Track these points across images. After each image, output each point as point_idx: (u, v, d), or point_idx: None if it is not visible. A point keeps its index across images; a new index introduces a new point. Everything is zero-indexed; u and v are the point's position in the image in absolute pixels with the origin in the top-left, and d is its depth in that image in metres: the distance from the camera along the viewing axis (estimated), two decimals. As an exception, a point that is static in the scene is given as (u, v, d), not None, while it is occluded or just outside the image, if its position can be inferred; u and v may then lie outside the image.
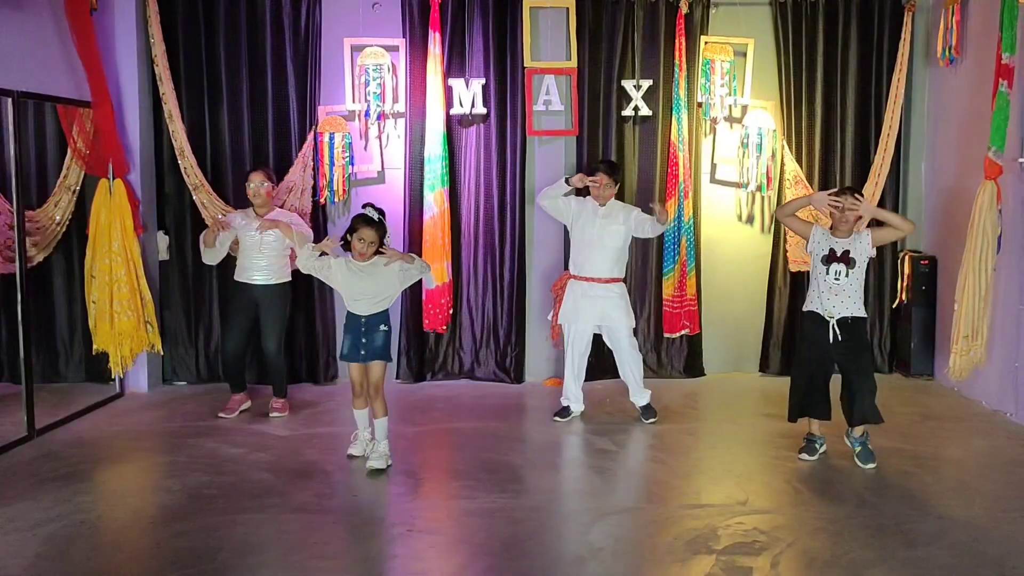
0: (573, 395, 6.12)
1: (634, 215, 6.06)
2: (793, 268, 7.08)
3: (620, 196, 6.97)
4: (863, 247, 5.08)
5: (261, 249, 6.03)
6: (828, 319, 5.10)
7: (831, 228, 5.18)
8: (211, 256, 6.15)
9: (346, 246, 5.02)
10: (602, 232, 5.98)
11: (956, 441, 5.64)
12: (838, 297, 5.09)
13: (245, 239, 6.06)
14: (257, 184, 6.01)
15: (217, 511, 4.48)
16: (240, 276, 6.11)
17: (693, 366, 7.21)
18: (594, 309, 6.01)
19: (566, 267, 6.33)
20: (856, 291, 5.11)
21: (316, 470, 5.08)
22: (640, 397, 6.10)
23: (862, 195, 5.12)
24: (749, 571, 3.83)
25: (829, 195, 5.12)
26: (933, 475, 4.99)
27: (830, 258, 5.09)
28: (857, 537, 4.15)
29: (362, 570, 3.95)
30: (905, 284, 7.09)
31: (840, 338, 5.08)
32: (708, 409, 6.46)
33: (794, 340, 7.16)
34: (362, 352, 5.09)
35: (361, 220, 4.98)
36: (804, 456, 5.23)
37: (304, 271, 5.24)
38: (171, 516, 4.43)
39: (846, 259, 5.06)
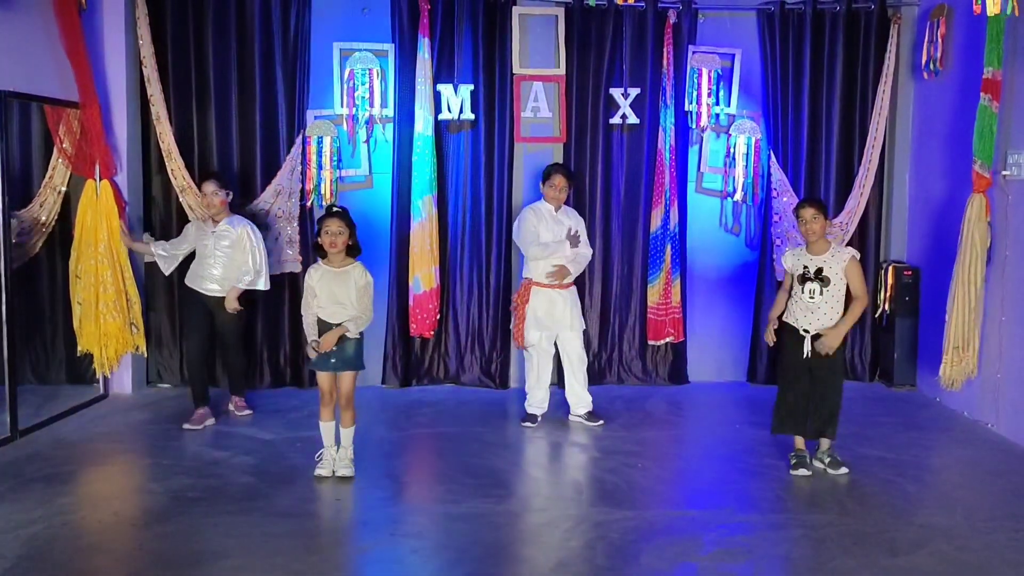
0: (539, 401, 6.17)
1: (581, 223, 6.18)
2: (780, 277, 7.10)
3: (608, 201, 7.04)
4: (839, 265, 5.03)
5: (216, 258, 5.96)
6: (803, 334, 5.08)
7: (806, 244, 5.12)
8: (163, 265, 6.20)
9: (321, 252, 4.95)
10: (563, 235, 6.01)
11: (938, 451, 5.69)
12: (814, 315, 5.05)
13: (199, 248, 6.03)
14: (211, 192, 5.90)
15: (200, 514, 4.47)
16: (192, 283, 6.03)
17: (678, 373, 7.22)
18: (564, 313, 6.04)
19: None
20: (833, 308, 5.03)
21: (300, 474, 5.07)
22: (585, 404, 6.16)
23: (820, 334, 5.05)
24: (732, 578, 3.85)
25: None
26: (915, 484, 5.02)
27: (804, 277, 5.06)
28: (840, 545, 4.18)
29: (344, 574, 3.95)
30: (888, 295, 7.12)
31: (811, 354, 5.07)
32: (692, 416, 6.48)
33: (779, 350, 7.20)
34: (332, 360, 4.96)
35: (323, 217, 4.96)
36: (801, 472, 5.10)
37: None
38: (153, 518, 4.42)
39: (820, 277, 5.00)
